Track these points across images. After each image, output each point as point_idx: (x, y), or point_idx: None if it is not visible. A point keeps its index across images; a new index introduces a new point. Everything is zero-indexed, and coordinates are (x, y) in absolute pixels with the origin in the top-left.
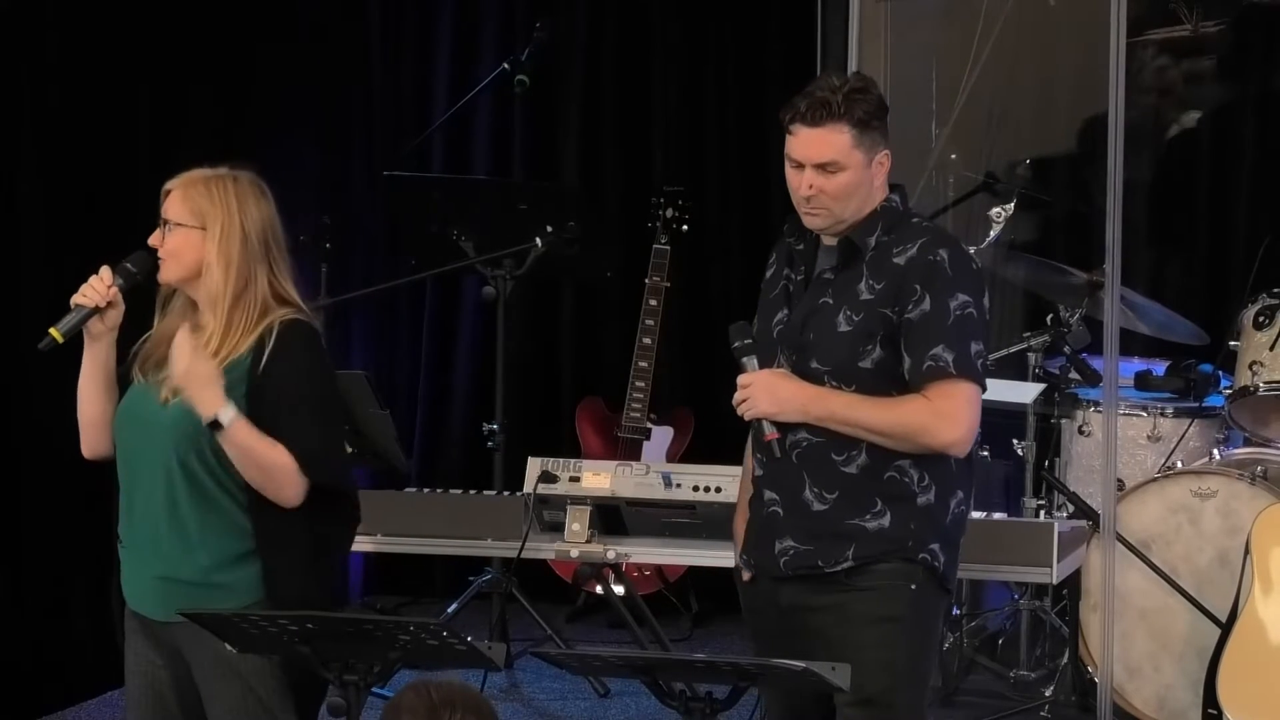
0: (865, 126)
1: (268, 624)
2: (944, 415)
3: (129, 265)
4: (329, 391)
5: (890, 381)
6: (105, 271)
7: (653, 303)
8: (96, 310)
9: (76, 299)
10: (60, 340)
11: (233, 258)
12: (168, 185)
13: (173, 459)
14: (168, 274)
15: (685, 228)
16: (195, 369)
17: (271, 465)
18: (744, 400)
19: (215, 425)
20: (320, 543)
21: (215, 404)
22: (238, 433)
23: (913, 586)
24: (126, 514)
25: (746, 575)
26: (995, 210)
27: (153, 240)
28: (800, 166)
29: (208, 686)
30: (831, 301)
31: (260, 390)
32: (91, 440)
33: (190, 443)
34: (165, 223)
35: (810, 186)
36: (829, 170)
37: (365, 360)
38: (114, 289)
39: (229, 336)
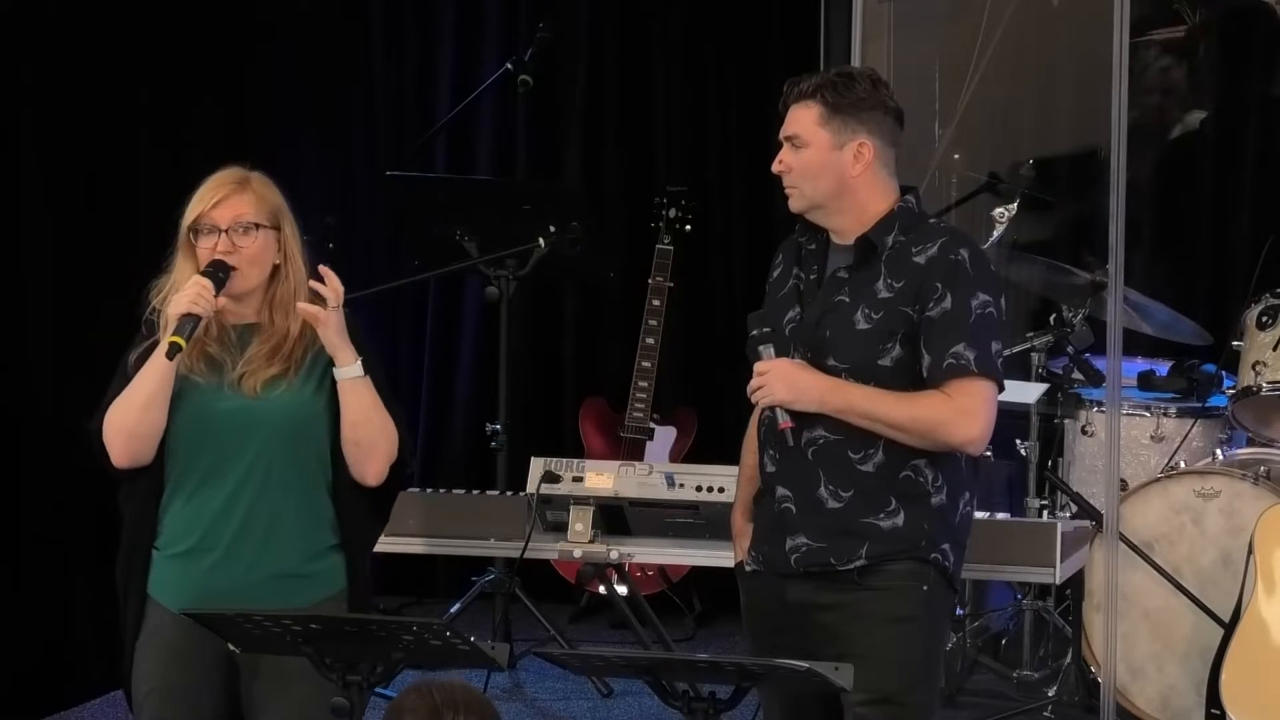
0: (837, 109)
1: (271, 624)
2: (963, 412)
3: (219, 274)
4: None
5: (908, 380)
6: (207, 282)
7: (655, 303)
8: (200, 318)
9: (187, 309)
10: (184, 347)
11: (299, 253)
12: (225, 190)
13: (279, 449)
14: (249, 281)
15: (688, 228)
16: (334, 319)
17: (385, 424)
18: (760, 388)
19: (364, 364)
20: (376, 537)
21: (352, 354)
22: (369, 381)
23: (925, 587)
24: (205, 517)
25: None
26: (998, 210)
27: (224, 249)
28: None
29: (275, 684)
30: (848, 300)
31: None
32: (140, 450)
33: (301, 429)
34: (244, 228)
35: (780, 162)
36: (795, 145)
37: None
38: (219, 299)
39: (305, 333)
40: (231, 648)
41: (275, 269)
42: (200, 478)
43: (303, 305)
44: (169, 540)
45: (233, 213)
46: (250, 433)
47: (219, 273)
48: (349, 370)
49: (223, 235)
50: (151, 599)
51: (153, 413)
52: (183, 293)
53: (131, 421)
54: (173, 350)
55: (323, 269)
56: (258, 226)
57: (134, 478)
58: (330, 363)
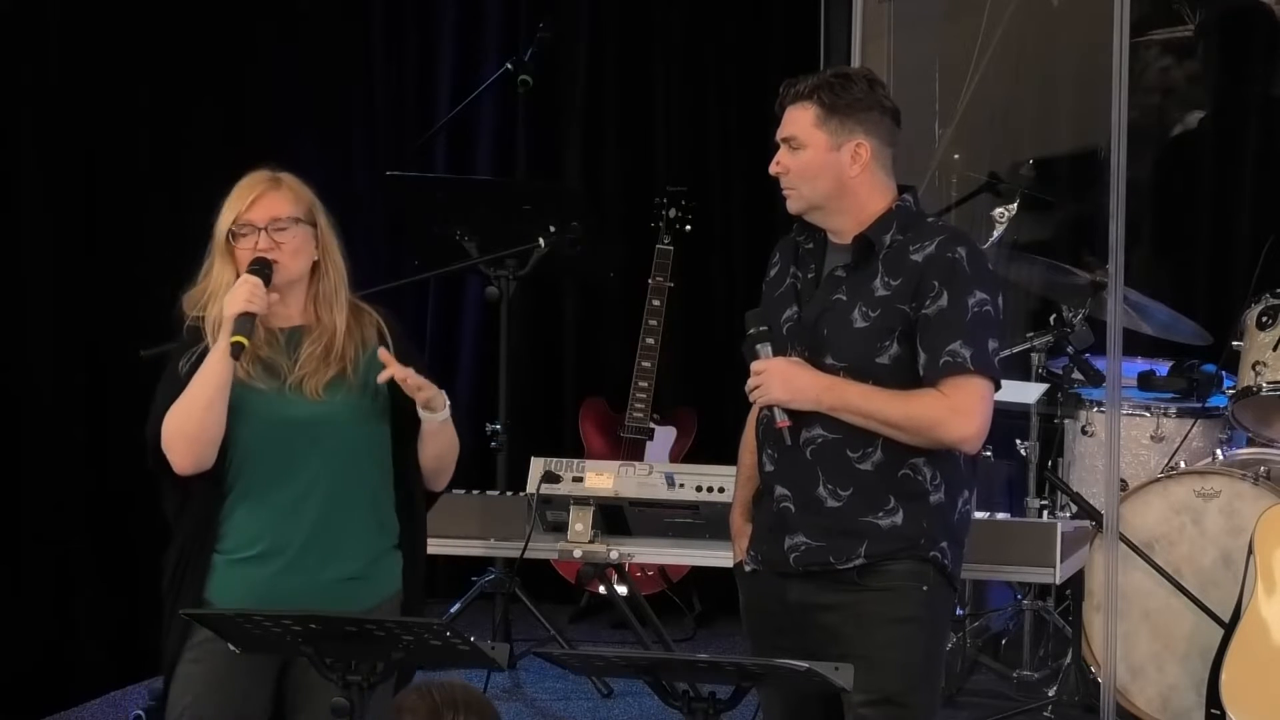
0: (833, 110)
1: (271, 624)
2: (959, 410)
3: (265, 271)
4: None
5: (907, 378)
6: (257, 279)
7: (655, 303)
8: (256, 316)
9: (244, 308)
10: (248, 345)
11: (338, 248)
12: (258, 189)
13: (347, 452)
14: (290, 273)
15: (688, 228)
16: (421, 379)
17: (456, 444)
18: (757, 387)
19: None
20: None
21: (443, 400)
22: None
23: (925, 587)
24: (272, 521)
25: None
26: (998, 210)
27: (263, 247)
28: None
29: (314, 688)
30: (846, 298)
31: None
32: (203, 455)
33: (366, 431)
34: (281, 224)
35: (778, 164)
36: (792, 146)
37: None
38: (272, 294)
39: (354, 328)
40: (232, 648)
41: (316, 266)
42: (267, 483)
43: (398, 376)
44: (233, 545)
45: (269, 210)
46: (318, 437)
47: (264, 270)
48: (439, 416)
49: (262, 233)
50: (210, 604)
51: (213, 415)
52: (235, 293)
53: (194, 426)
54: (236, 349)
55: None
56: (295, 221)
57: (188, 485)
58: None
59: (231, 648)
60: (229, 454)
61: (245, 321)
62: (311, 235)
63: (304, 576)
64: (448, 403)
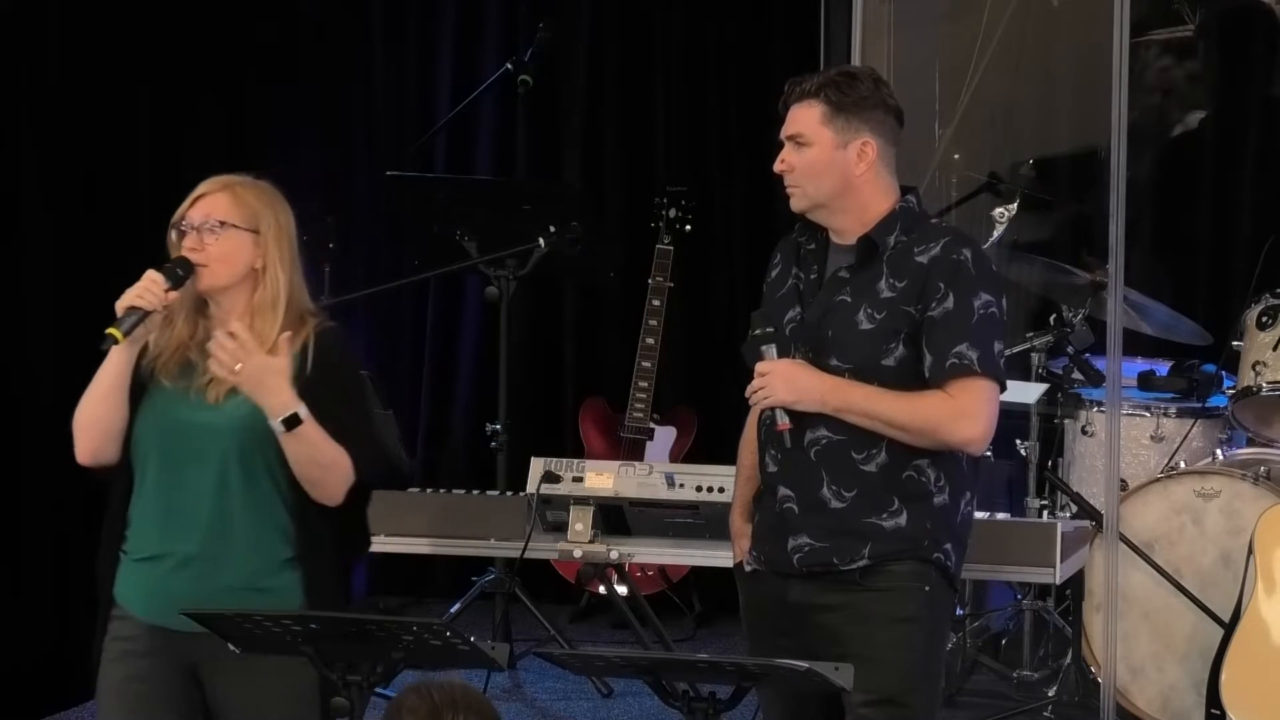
0: (839, 108)
1: (271, 624)
2: (965, 412)
3: (177, 270)
4: (368, 393)
5: (912, 379)
6: (157, 275)
7: (655, 303)
8: (149, 313)
9: (132, 302)
10: (121, 340)
11: (285, 260)
12: (204, 189)
13: (233, 461)
14: (215, 278)
15: (688, 228)
16: (268, 365)
17: (331, 463)
18: (761, 388)
19: (289, 422)
20: (346, 546)
21: (290, 400)
22: (309, 428)
23: (927, 588)
24: (161, 523)
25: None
26: (998, 210)
27: (190, 246)
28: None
29: (242, 693)
30: (850, 300)
31: (309, 391)
32: (102, 447)
33: (255, 443)
34: (212, 226)
35: (783, 162)
36: (798, 144)
37: (368, 361)
38: (171, 293)
39: (281, 342)
40: (232, 648)
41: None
42: (157, 483)
43: (219, 345)
44: (132, 545)
45: (204, 211)
46: (206, 442)
47: (178, 269)
48: (274, 424)
49: (193, 233)
50: (118, 604)
51: (107, 407)
52: (132, 287)
53: (88, 415)
54: (106, 341)
55: (235, 328)
56: (224, 224)
57: (110, 477)
58: (295, 376)
59: (231, 648)
60: (128, 450)
61: (130, 316)
62: (249, 242)
63: (194, 583)
64: (288, 412)
